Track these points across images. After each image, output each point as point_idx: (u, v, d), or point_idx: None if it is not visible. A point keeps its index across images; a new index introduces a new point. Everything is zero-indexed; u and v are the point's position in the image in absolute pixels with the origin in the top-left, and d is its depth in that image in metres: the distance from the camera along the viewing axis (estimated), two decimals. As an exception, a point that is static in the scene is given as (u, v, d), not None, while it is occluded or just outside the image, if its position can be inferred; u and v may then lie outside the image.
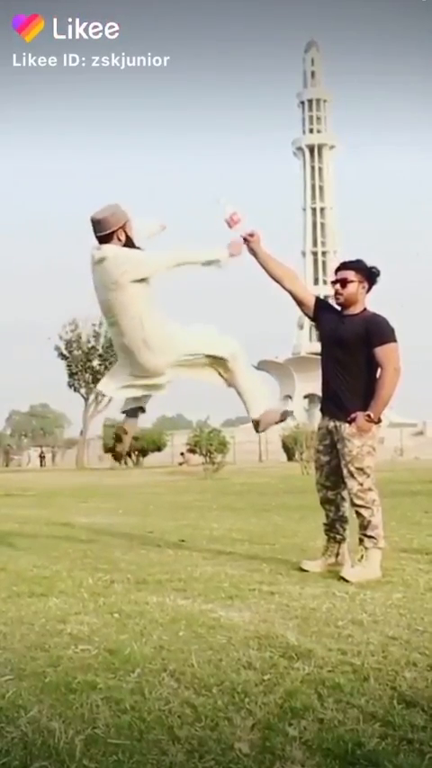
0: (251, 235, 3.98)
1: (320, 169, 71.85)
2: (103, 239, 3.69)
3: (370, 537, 3.83)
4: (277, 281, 4.07)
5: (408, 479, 13.73)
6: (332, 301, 4.13)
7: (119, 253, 3.65)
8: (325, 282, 63.47)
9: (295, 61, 73.49)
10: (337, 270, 3.99)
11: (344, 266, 3.97)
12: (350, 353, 3.88)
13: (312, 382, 56.71)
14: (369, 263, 4.01)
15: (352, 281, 3.91)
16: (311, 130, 72.72)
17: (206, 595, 3.31)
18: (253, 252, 4.01)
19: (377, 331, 3.85)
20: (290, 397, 61.75)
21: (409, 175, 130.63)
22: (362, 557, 3.84)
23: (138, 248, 3.73)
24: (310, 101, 72.51)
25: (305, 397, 60.89)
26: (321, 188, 71.76)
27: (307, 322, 68.14)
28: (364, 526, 3.85)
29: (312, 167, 71.78)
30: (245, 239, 3.98)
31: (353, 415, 3.83)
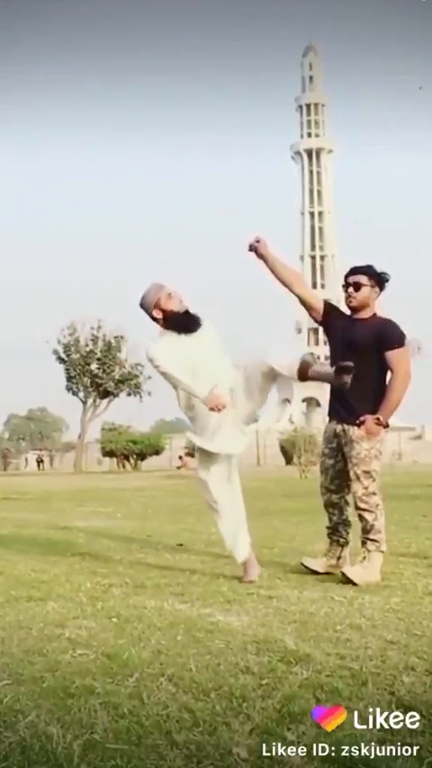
0: (257, 241, 3.97)
1: (318, 173, 72.00)
2: (153, 320, 3.87)
3: (372, 540, 3.85)
4: (286, 286, 4.06)
5: (406, 483, 13.73)
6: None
7: (153, 348, 3.79)
8: (323, 286, 63.62)
9: (294, 64, 73.64)
10: (349, 274, 3.99)
11: (356, 271, 3.98)
12: (361, 357, 3.86)
13: (310, 386, 56.76)
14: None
15: (365, 286, 3.93)
16: (309, 134, 72.89)
17: (204, 600, 3.31)
18: (262, 257, 3.99)
19: (389, 335, 3.88)
20: (288, 400, 61.74)
21: (409, 177, 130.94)
22: (364, 558, 3.85)
23: (184, 315, 3.79)
24: (308, 105, 72.71)
25: (303, 400, 60.90)
26: (319, 192, 71.89)
27: (305, 326, 68.23)
28: (366, 530, 3.86)
29: (310, 171, 71.94)
30: (252, 245, 3.95)
31: (362, 418, 3.84)
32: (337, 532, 4.07)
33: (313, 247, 70.83)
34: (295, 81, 74.42)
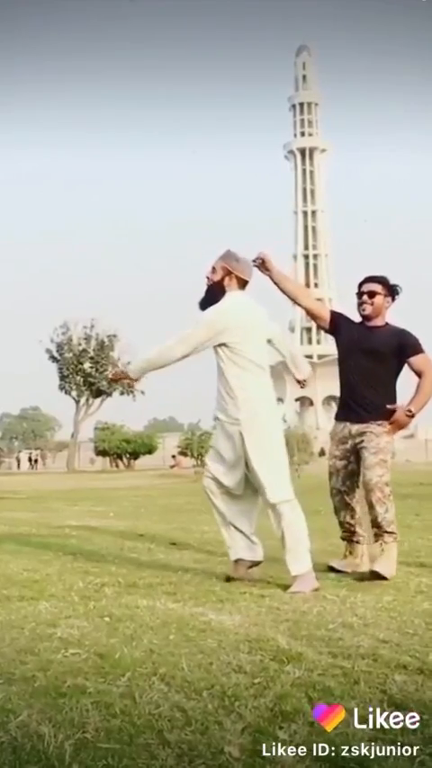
0: (262, 257, 3.96)
1: (311, 172, 72.06)
2: None
3: (388, 532, 3.89)
4: (291, 299, 4.16)
5: (399, 482, 13.68)
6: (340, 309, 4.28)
7: None
8: (316, 285, 63.69)
9: (288, 63, 73.68)
10: (363, 283, 4.11)
11: (370, 280, 4.10)
12: (380, 362, 4.03)
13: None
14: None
15: (379, 294, 4.06)
16: (302, 134, 72.95)
17: (197, 599, 3.31)
18: (268, 271, 3.97)
19: (410, 343, 4.05)
20: (281, 399, 61.86)
21: (408, 177, 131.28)
22: (382, 551, 3.89)
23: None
24: (301, 104, 72.76)
25: (296, 399, 60.96)
26: (312, 191, 71.97)
27: (298, 325, 68.26)
28: (379, 523, 3.88)
29: (303, 170, 71.99)
30: (257, 261, 3.93)
31: (391, 407, 3.96)
32: (355, 533, 4.12)
33: (306, 246, 70.87)
34: (288, 80, 74.47)
